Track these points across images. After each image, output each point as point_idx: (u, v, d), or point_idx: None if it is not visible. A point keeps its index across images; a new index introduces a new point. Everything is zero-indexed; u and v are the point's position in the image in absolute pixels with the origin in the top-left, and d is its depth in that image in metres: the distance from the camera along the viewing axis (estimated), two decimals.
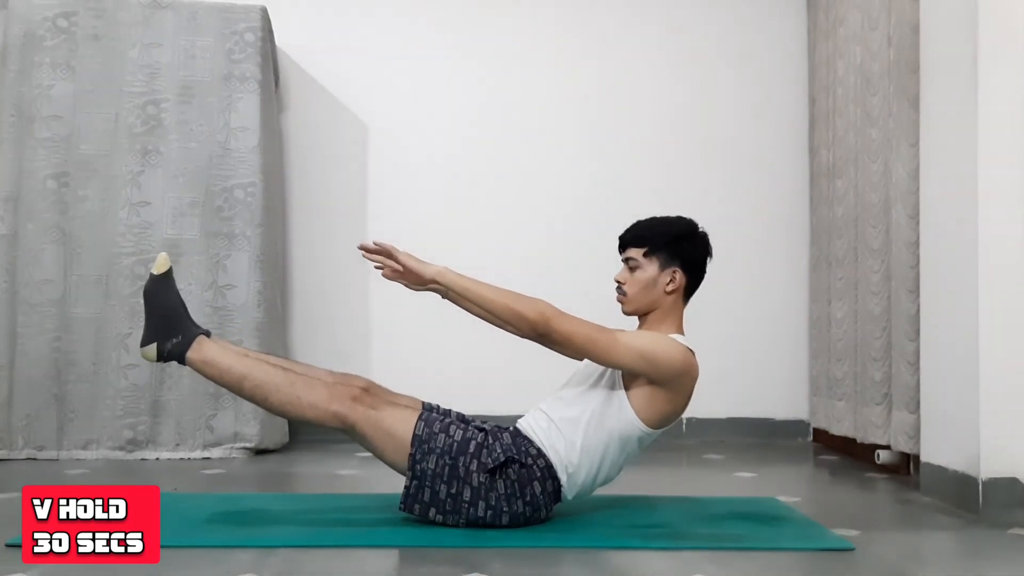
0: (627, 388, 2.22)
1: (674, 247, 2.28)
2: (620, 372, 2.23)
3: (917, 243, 2.91)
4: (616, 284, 2.33)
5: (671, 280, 2.28)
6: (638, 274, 2.29)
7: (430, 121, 4.12)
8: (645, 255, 2.29)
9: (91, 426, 3.42)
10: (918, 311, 2.90)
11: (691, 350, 2.23)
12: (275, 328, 3.70)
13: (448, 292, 2.27)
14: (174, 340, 2.21)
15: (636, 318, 2.36)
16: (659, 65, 4.21)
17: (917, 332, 2.91)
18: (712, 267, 2.36)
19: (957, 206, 2.62)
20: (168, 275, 2.26)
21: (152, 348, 2.22)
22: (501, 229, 4.08)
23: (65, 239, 3.47)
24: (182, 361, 2.22)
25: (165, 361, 2.23)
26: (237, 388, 2.21)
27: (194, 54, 3.58)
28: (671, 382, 2.18)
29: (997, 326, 2.51)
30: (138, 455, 3.42)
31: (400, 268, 2.23)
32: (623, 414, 2.20)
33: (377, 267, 2.32)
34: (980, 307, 2.51)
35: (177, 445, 3.46)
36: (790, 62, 4.23)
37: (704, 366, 2.26)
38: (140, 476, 3.10)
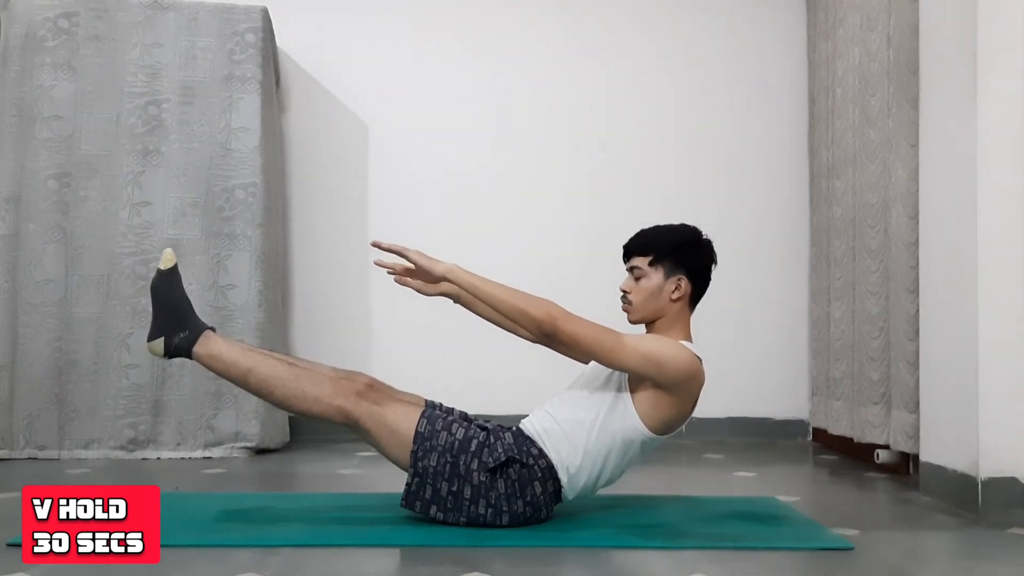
0: (632, 392, 2.21)
1: (679, 255, 2.28)
2: (626, 376, 2.23)
3: (917, 243, 2.91)
4: (621, 293, 2.32)
5: (676, 288, 2.27)
6: (643, 283, 2.28)
7: (431, 122, 4.12)
8: (650, 264, 2.28)
9: (92, 426, 3.43)
10: (918, 311, 2.90)
11: (699, 357, 2.22)
12: (276, 328, 3.71)
13: (459, 295, 2.33)
14: (181, 335, 2.23)
15: (643, 327, 2.35)
16: (658, 66, 4.21)
17: (917, 332, 2.91)
18: (714, 269, 2.37)
19: (957, 206, 2.63)
20: (174, 271, 2.27)
21: (160, 343, 2.23)
22: (501, 230, 4.08)
23: (66, 239, 3.48)
24: (189, 355, 2.23)
25: (172, 356, 2.25)
26: (243, 382, 2.22)
27: (195, 55, 3.58)
28: (677, 387, 2.18)
29: (996, 325, 2.51)
30: (139, 455, 3.43)
31: (411, 266, 2.26)
32: (627, 418, 2.20)
33: (389, 273, 2.37)
34: (980, 307, 2.51)
35: (178, 444, 3.47)
36: (789, 63, 4.23)
37: (704, 365, 2.26)
38: (141, 476, 3.10)
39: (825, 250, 3.86)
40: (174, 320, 2.24)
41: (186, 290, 3.42)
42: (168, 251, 2.30)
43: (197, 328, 2.24)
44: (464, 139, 4.13)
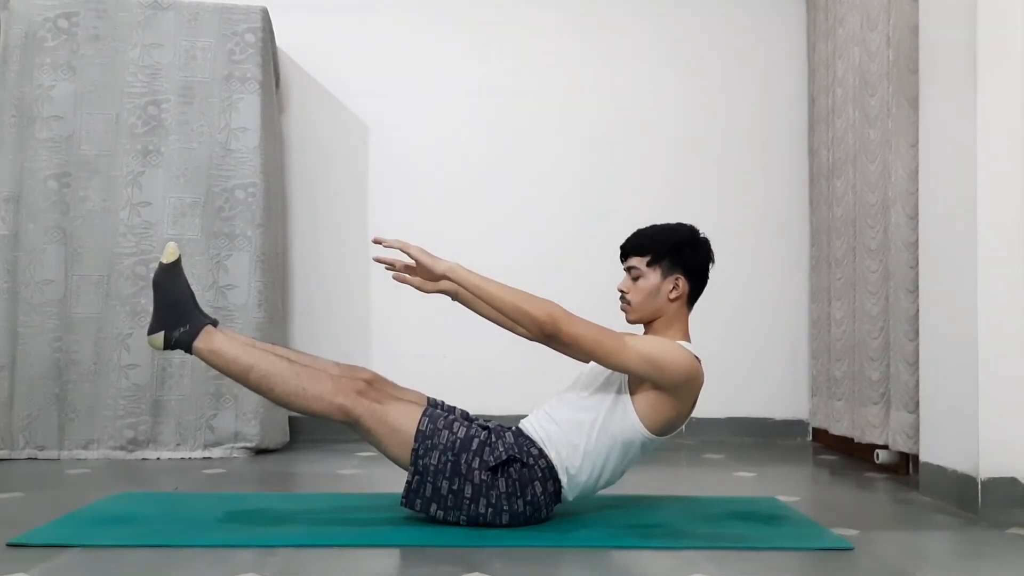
0: (632, 393, 2.21)
1: (676, 254, 2.28)
2: (626, 376, 2.23)
3: (916, 243, 2.92)
4: (619, 293, 2.32)
5: (674, 288, 2.27)
6: (641, 283, 2.28)
7: (431, 122, 4.12)
8: (648, 264, 2.28)
9: (92, 426, 3.43)
10: (918, 311, 2.90)
11: (698, 358, 2.22)
12: (276, 328, 3.71)
13: (459, 292, 2.33)
14: (181, 329, 2.21)
15: (641, 327, 2.35)
16: (658, 65, 4.21)
17: (916, 332, 2.91)
18: (712, 268, 2.37)
19: (957, 206, 2.63)
20: (177, 264, 2.25)
21: (159, 336, 2.22)
22: (502, 229, 4.08)
23: (66, 239, 3.48)
24: (189, 350, 2.21)
25: (172, 349, 2.23)
26: (243, 378, 2.21)
27: (195, 55, 3.58)
28: (677, 388, 2.18)
29: (996, 325, 2.51)
30: (139, 455, 3.43)
31: (412, 263, 2.25)
32: (627, 419, 2.20)
33: (388, 269, 2.36)
34: (979, 307, 2.51)
35: (178, 445, 3.47)
36: (789, 63, 4.23)
37: (704, 366, 2.27)
38: (141, 476, 3.10)
39: (825, 250, 3.86)
40: (175, 314, 2.21)
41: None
42: (171, 244, 2.27)
43: (198, 323, 2.22)
44: (464, 139, 4.13)
